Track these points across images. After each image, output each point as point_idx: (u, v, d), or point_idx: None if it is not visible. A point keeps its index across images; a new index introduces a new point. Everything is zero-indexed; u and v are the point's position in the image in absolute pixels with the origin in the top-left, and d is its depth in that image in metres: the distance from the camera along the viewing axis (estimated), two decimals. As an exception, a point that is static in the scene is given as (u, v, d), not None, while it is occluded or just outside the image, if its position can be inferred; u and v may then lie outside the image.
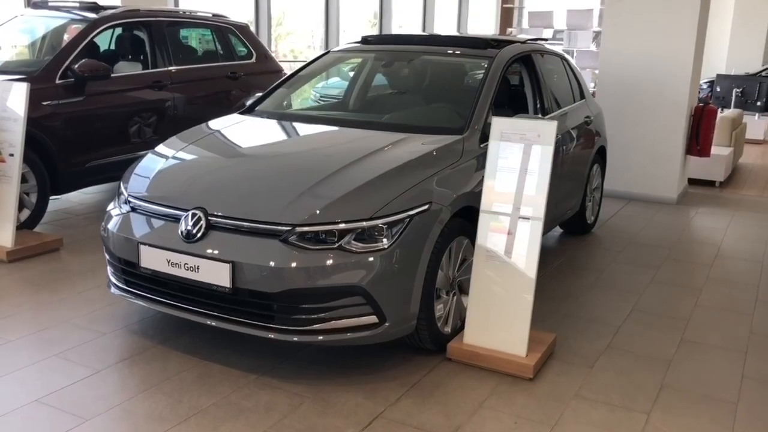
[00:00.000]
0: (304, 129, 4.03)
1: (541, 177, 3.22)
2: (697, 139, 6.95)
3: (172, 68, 6.24)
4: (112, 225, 3.41)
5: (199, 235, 3.07)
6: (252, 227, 3.03)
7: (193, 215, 3.11)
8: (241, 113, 4.40)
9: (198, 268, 3.04)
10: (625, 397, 3.08)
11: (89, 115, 5.47)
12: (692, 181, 7.69)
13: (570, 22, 13.64)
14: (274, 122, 4.14)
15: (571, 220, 5.28)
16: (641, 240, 5.57)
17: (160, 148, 3.87)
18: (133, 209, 3.38)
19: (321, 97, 6.49)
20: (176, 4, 8.91)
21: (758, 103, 11.69)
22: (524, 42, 4.75)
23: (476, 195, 3.49)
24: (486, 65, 4.16)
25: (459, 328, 3.49)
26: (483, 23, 18.88)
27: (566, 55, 5.59)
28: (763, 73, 15.84)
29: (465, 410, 2.93)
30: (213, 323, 3.10)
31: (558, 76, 5.11)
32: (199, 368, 3.22)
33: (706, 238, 5.74)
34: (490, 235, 3.32)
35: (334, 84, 7.27)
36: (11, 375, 3.12)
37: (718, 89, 11.83)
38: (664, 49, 6.65)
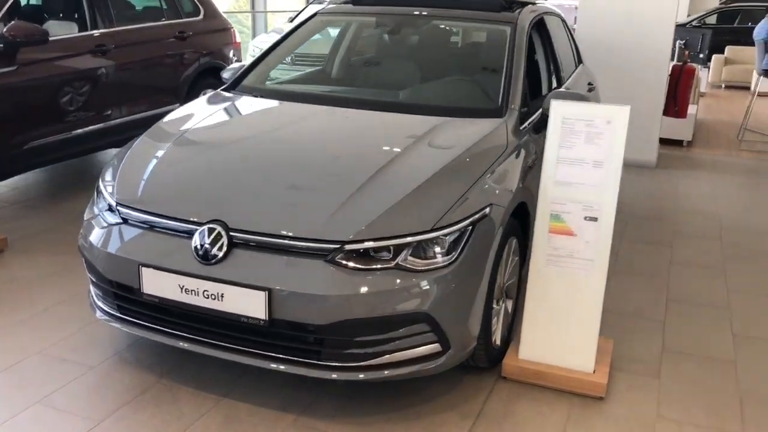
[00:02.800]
0: (313, 111, 3.42)
1: (612, 171, 2.81)
2: (675, 100, 6.74)
3: (115, 29, 5.42)
4: (98, 240, 2.77)
5: (220, 255, 2.50)
6: (289, 245, 2.48)
7: (211, 231, 2.53)
8: (225, 90, 3.76)
9: (222, 296, 2.48)
10: (710, 415, 2.77)
11: (25, 88, 4.64)
12: (660, 141, 7.52)
13: None
14: (275, 103, 3.52)
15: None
16: (639, 213, 5.30)
17: (146, 140, 3.21)
18: (126, 220, 2.75)
19: (296, 57, 5.82)
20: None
21: (701, 56, 11.67)
22: (533, 2, 4.27)
23: (527, 190, 3.05)
24: (509, 32, 3.67)
25: (506, 339, 3.10)
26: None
27: (563, 15, 5.15)
28: (694, 23, 16.04)
29: (547, 447, 2.55)
30: (243, 361, 2.56)
31: (562, 40, 4.68)
32: (222, 409, 2.69)
33: (702, 207, 5.53)
34: (550, 237, 2.90)
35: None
36: (-13, 437, 2.51)
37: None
38: (645, 7, 6.33)
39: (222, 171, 2.84)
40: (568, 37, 4.91)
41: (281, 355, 2.52)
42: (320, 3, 11.37)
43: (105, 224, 2.81)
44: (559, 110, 2.87)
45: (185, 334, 2.64)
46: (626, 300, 3.75)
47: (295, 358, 2.51)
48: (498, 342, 3.00)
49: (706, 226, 5.05)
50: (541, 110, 3.46)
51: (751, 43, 13.80)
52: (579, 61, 5.07)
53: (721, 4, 16.69)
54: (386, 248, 2.47)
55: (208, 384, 2.85)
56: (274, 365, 2.53)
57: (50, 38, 4.78)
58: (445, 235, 2.52)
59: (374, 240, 2.45)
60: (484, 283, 2.66)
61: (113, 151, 6.19)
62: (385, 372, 2.51)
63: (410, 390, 2.83)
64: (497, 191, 2.80)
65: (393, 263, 2.46)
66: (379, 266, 2.45)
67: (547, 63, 4.10)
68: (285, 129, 3.26)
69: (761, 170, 6.82)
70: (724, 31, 14.45)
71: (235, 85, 3.80)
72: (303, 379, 2.86)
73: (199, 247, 2.52)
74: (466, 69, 3.82)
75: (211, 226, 2.54)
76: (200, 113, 3.43)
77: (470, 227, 2.58)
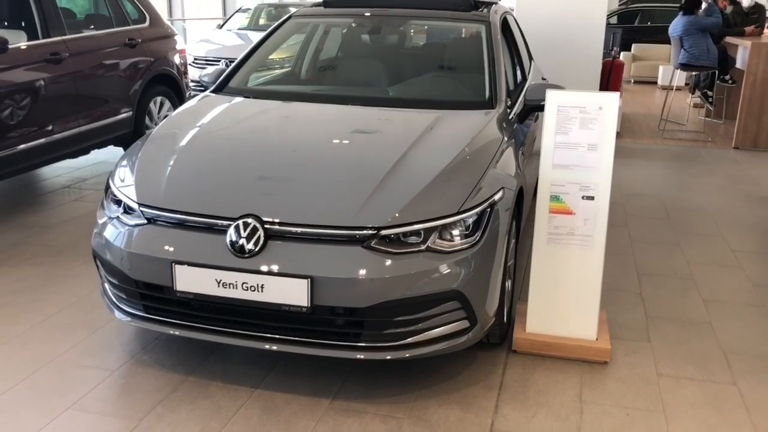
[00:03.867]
0: (315, 110, 3.53)
1: (606, 153, 3.06)
2: (607, 93, 7.17)
3: (68, 37, 5.30)
4: (121, 241, 2.78)
5: (257, 248, 2.58)
6: (326, 234, 2.58)
7: (246, 225, 2.60)
8: (214, 92, 3.80)
9: (262, 288, 2.56)
10: (702, 370, 3.06)
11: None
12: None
13: None
14: (275, 103, 3.60)
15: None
16: (591, 198, 5.65)
17: (156, 141, 3.22)
18: (150, 221, 2.78)
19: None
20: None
21: (612, 52, 12.37)
22: (496, 2, 4.52)
23: (523, 175, 3.27)
24: (485, 30, 3.89)
25: (510, 316, 3.30)
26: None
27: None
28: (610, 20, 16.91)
29: (571, 409, 2.76)
30: (284, 349, 2.64)
31: (518, 37, 4.96)
32: (257, 400, 2.76)
33: (645, 190, 5.95)
34: (551, 217, 3.12)
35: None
36: (30, 444, 2.48)
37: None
38: (577, 7, 6.74)
39: (246, 168, 2.91)
40: (522, 35, 5.19)
41: (322, 341, 2.62)
42: (245, 11, 11.36)
43: (126, 226, 2.82)
44: (554, 99, 3.10)
45: (220, 328, 2.70)
46: (604, 276, 4.03)
47: (336, 342, 2.62)
48: (506, 318, 3.19)
49: (653, 207, 5.45)
50: (522, 101, 3.68)
51: (653, 41, 14.76)
52: (530, 56, 5.36)
53: (620, 5, 17.68)
54: (417, 232, 2.62)
55: (236, 378, 2.90)
56: (316, 351, 2.62)
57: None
58: (469, 217, 2.69)
59: (407, 224, 2.59)
60: (499, 261, 2.85)
61: (65, 164, 6.04)
62: (422, 349, 2.65)
63: (432, 369, 2.98)
64: (505, 176, 3.00)
65: (424, 246, 2.61)
66: (411, 249, 2.60)
67: (512, 58, 4.35)
68: (297, 125, 3.35)
69: (685, 156, 7.37)
70: (627, 30, 15.35)
71: (221, 88, 3.85)
72: (327, 366, 2.96)
73: (235, 241, 2.59)
74: (450, 65, 4.02)
75: (245, 220, 2.61)
76: (202, 114, 3.47)
77: (488, 209, 2.77)
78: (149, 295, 2.78)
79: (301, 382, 2.88)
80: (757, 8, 9.66)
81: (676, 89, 8.95)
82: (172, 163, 2.97)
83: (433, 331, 2.66)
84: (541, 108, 3.53)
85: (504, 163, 3.09)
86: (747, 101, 7.58)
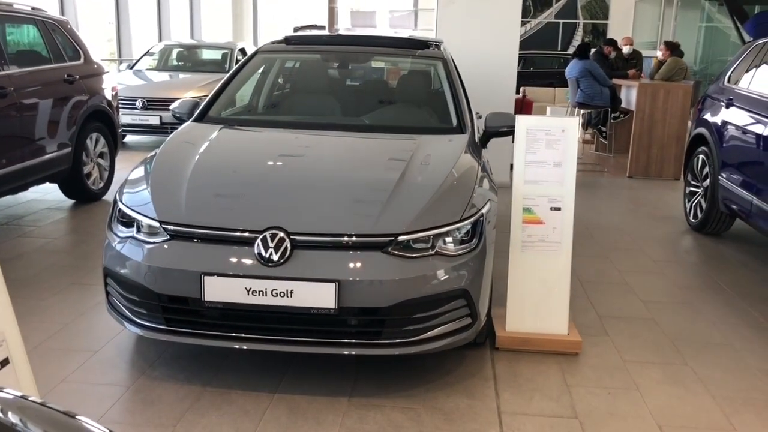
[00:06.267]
0: (304, 135, 3.83)
1: (569, 169, 3.51)
2: (520, 128, 7.82)
3: (12, 71, 5.27)
4: (143, 258, 2.91)
5: (285, 257, 2.80)
6: (350, 242, 2.85)
7: (273, 236, 2.82)
8: (195, 121, 3.98)
9: (291, 293, 2.78)
10: (659, 355, 3.53)
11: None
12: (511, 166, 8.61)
13: (393, 23, 14.20)
14: (265, 130, 3.84)
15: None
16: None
17: (162, 164, 3.39)
18: (173, 237, 2.93)
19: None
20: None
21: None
22: (441, 42, 4.98)
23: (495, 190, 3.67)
24: (442, 65, 4.32)
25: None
26: (216, 27, 18.78)
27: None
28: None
29: (560, 392, 3.12)
30: (308, 350, 2.86)
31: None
32: (280, 402, 2.94)
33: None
34: (524, 227, 3.52)
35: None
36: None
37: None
38: (493, 48, 7.36)
39: (262, 184, 3.13)
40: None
41: (345, 340, 2.86)
42: (152, 54, 11.37)
43: (146, 243, 2.95)
44: (523, 123, 3.53)
45: (246, 335, 2.87)
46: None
47: (359, 341, 2.87)
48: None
49: (576, 226, 5.95)
50: (484, 128, 4.10)
51: (537, 84, 15.96)
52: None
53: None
54: (426, 238, 2.93)
55: (254, 385, 3.07)
56: (339, 350, 2.85)
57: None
58: (468, 224, 3.04)
59: (421, 231, 2.91)
60: (490, 264, 3.20)
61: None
62: (432, 344, 2.94)
63: (431, 366, 3.27)
64: (487, 192, 3.38)
65: (433, 251, 2.93)
66: (422, 254, 2.91)
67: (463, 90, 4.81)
68: (292, 148, 3.62)
69: (588, 184, 8.11)
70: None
71: (200, 118, 4.02)
72: (336, 367, 3.19)
73: (263, 251, 2.80)
74: (416, 96, 4.42)
75: (273, 232, 2.83)
76: (198, 138, 3.65)
77: (481, 219, 3.13)
78: (172, 308, 2.91)
79: (315, 383, 3.08)
80: (635, 54, 10.81)
81: (572, 126, 9.79)
82: (187, 182, 3.14)
83: (442, 327, 2.96)
84: (501, 134, 3.98)
85: (484, 182, 3.47)
86: (638, 135, 8.47)
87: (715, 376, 3.34)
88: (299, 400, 2.96)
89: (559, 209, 3.52)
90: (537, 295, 3.54)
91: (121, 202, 3.17)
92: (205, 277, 2.80)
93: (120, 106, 9.55)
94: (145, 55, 11.35)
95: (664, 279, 4.75)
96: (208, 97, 4.17)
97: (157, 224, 2.96)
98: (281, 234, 2.83)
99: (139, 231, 3.02)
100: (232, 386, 3.06)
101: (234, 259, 2.83)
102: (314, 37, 4.80)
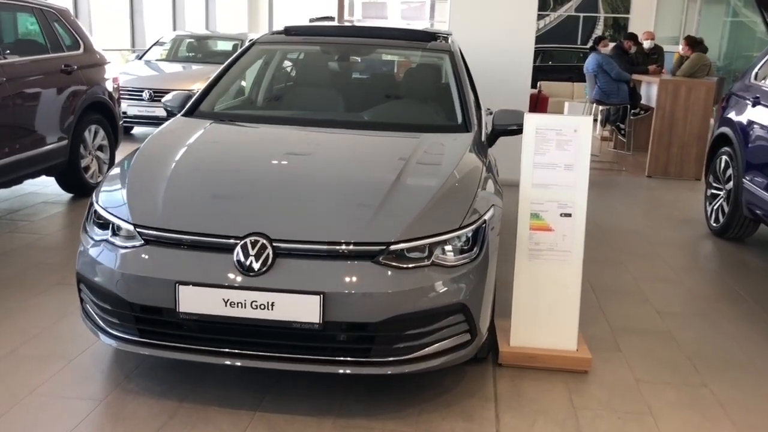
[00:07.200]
0: (299, 132, 3.57)
1: (582, 172, 3.25)
2: (534, 125, 7.53)
3: (4, 61, 5.09)
4: (116, 264, 2.70)
5: (266, 266, 2.57)
6: (337, 251, 2.61)
7: (254, 243, 2.59)
8: (184, 116, 3.76)
9: (272, 306, 2.55)
10: (675, 375, 3.27)
11: None
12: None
13: (406, 14, 13.94)
14: (257, 126, 3.61)
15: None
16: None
17: (142, 163, 3.16)
18: (148, 242, 2.71)
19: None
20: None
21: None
22: (450, 34, 4.72)
23: (501, 193, 3.42)
24: (449, 59, 4.06)
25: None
26: (232, 18, 18.61)
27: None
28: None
29: (566, 415, 2.88)
30: (290, 368, 2.63)
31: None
32: (260, 422, 2.72)
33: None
34: (531, 234, 3.27)
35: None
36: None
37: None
38: (507, 41, 7.08)
39: (245, 187, 2.90)
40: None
41: (331, 357, 2.63)
42: (162, 44, 11.20)
43: (120, 248, 2.73)
44: (532, 121, 3.27)
45: (223, 349, 2.65)
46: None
47: (346, 359, 2.63)
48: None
49: (589, 228, 5.62)
50: (491, 125, 3.84)
51: (556, 79, 15.61)
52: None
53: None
54: (422, 247, 2.69)
55: (233, 402, 2.85)
56: (324, 368, 2.62)
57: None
58: (469, 232, 2.79)
59: (415, 239, 2.66)
60: (492, 275, 2.95)
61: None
62: (426, 363, 2.70)
63: (427, 384, 3.03)
64: (491, 196, 3.12)
65: (429, 261, 2.68)
66: (418, 264, 2.66)
67: (471, 85, 4.54)
68: (286, 147, 3.38)
69: (605, 183, 7.82)
70: (533, 69, 16.17)
71: (191, 112, 3.80)
72: (324, 384, 2.96)
73: (242, 260, 2.57)
74: (420, 91, 4.16)
75: (254, 238, 2.60)
76: (183, 135, 3.43)
77: (483, 226, 2.88)
78: (145, 318, 2.70)
79: (300, 401, 2.86)
80: (657, 49, 10.45)
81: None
82: (165, 184, 2.92)
83: (438, 344, 2.72)
84: (509, 132, 3.72)
85: (488, 184, 3.22)
86: (658, 134, 8.15)
87: (736, 399, 3.07)
88: (280, 421, 2.73)
89: (569, 215, 3.26)
90: (544, 308, 3.28)
91: (96, 202, 2.96)
92: (180, 286, 2.58)
93: (127, 97, 9.43)
94: (154, 45, 11.17)
95: (681, 288, 4.48)
96: (200, 91, 3.95)
97: (131, 228, 2.74)
98: (263, 241, 2.60)
99: (114, 234, 2.81)
100: (210, 402, 2.84)
101: (211, 268, 2.60)
102: (315, 28, 4.54)
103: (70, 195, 6.14)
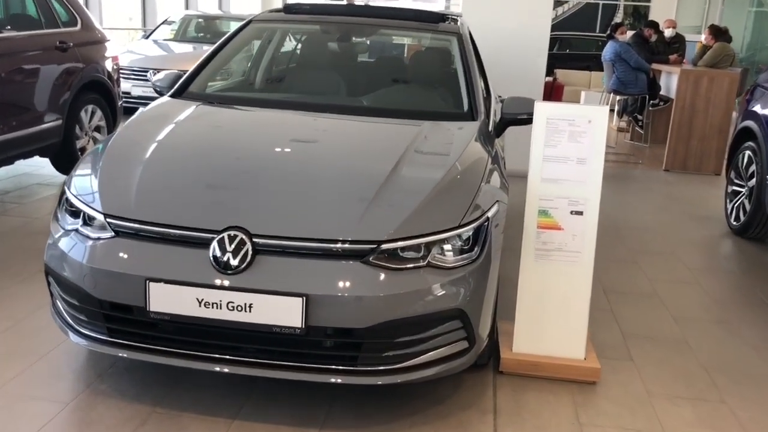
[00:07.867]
0: (291, 118, 3.32)
1: (595, 167, 2.99)
2: (549, 114, 7.25)
3: (-4, 36, 4.88)
4: (83, 257, 2.48)
5: (244, 263, 2.34)
6: (322, 248, 2.38)
7: (232, 238, 2.36)
8: (172, 97, 3.53)
9: (250, 307, 2.32)
10: (691, 389, 3.02)
11: None
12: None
13: None
14: (247, 110, 3.37)
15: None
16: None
17: (119, 147, 2.93)
18: (118, 233, 2.49)
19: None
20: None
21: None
22: (460, 15, 4.45)
23: (507, 187, 3.17)
24: (457, 42, 3.80)
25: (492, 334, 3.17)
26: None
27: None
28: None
29: (571, 430, 2.64)
30: (270, 375, 2.41)
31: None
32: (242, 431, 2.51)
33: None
34: (539, 232, 3.02)
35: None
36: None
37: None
38: (522, 27, 6.79)
39: (226, 177, 2.67)
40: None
41: (314, 365, 2.40)
42: (170, 24, 10.96)
43: (89, 239, 2.51)
44: (543, 111, 3.01)
45: (198, 353, 2.43)
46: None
47: (330, 366, 2.41)
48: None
49: (603, 224, 5.36)
50: (500, 114, 3.58)
51: (573, 67, 15.23)
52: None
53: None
54: (417, 247, 2.45)
55: (211, 408, 2.63)
56: (307, 376, 2.40)
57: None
58: (469, 231, 2.55)
59: (409, 238, 2.42)
60: (494, 278, 2.71)
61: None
62: (418, 373, 2.47)
63: (421, 393, 2.81)
64: (496, 190, 2.87)
65: (424, 262, 2.44)
66: (412, 265, 2.42)
67: (480, 71, 4.27)
68: (276, 133, 3.14)
69: (620, 176, 7.53)
70: (549, 56, 15.81)
71: (180, 92, 3.57)
72: (309, 392, 2.74)
73: (219, 256, 2.34)
74: (425, 76, 3.90)
75: (232, 233, 2.37)
76: (166, 119, 3.19)
77: (486, 224, 2.63)
78: (115, 316, 2.48)
79: (283, 410, 2.64)
80: (678, 38, 10.09)
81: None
82: (141, 170, 2.69)
83: (432, 352, 2.49)
84: (519, 122, 3.45)
85: (493, 177, 2.97)
86: (677, 126, 7.83)
87: (757, 417, 2.82)
88: (261, 430, 2.52)
89: (581, 213, 3.00)
90: (550, 313, 3.04)
91: (68, 189, 2.74)
92: (151, 283, 2.36)
93: (132, 77, 9.23)
94: (162, 24, 10.94)
95: (699, 291, 4.21)
96: (190, 70, 3.71)
97: (101, 217, 2.52)
98: (242, 236, 2.37)
99: (85, 224, 2.58)
100: (186, 408, 2.63)
101: (185, 264, 2.38)
102: (317, 6, 4.28)
103: (64, 177, 5.94)
